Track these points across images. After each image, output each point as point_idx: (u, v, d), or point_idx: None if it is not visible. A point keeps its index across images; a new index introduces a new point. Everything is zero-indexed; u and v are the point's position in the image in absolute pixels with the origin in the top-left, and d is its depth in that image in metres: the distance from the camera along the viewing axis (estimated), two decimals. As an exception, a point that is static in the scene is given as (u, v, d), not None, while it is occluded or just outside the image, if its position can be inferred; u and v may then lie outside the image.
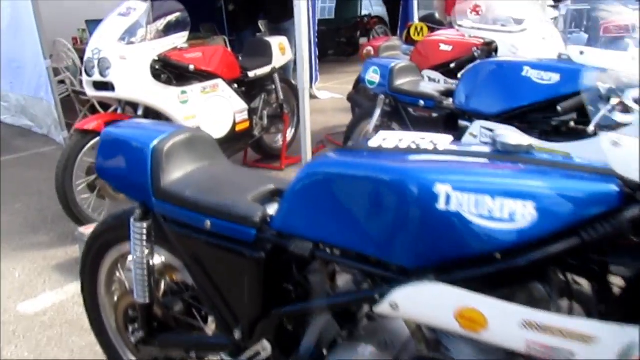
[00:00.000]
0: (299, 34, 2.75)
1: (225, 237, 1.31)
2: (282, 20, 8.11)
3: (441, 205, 1.01)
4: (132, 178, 1.45)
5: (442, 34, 4.64)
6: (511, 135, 1.12)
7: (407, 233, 1.07)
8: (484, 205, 0.99)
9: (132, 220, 1.46)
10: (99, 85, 3.19)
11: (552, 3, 4.81)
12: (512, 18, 3.58)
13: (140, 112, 3.26)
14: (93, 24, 6.70)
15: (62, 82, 5.56)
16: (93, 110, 5.57)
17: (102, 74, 3.10)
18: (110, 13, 3.30)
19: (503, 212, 0.98)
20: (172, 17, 3.33)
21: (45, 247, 3.27)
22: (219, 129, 3.68)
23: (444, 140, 1.22)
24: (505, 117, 2.40)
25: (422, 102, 2.80)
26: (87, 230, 2.93)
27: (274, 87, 4.38)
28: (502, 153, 1.12)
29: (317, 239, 1.21)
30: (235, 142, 3.90)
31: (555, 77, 2.27)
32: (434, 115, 2.77)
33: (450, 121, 2.74)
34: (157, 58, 3.21)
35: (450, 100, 2.72)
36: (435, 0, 7.23)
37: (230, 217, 1.29)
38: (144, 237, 1.45)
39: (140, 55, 3.13)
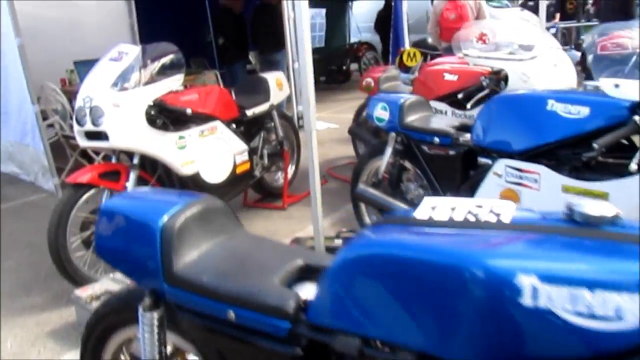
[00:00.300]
0: (304, 60, 2.58)
1: (253, 331, 1.12)
2: (272, 51, 8.05)
3: (526, 300, 0.83)
4: (139, 261, 1.25)
5: (443, 61, 4.51)
6: (591, 204, 0.95)
7: (480, 331, 0.89)
8: (582, 300, 0.81)
9: (140, 309, 1.26)
10: (92, 135, 3.01)
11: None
12: (520, 44, 3.45)
13: (135, 161, 3.07)
14: (82, 65, 6.56)
15: (50, 125, 5.37)
16: (84, 155, 5.38)
17: (94, 123, 2.91)
18: (101, 58, 3.13)
19: (606, 308, 0.80)
20: (166, 59, 3.17)
21: (39, 311, 3.04)
22: (219, 174, 3.50)
23: (506, 209, 1.04)
24: (531, 155, 2.24)
25: (437, 140, 2.64)
26: (84, 292, 2.73)
27: (272, 124, 4.22)
28: (583, 226, 0.94)
29: (365, 333, 1.02)
30: (236, 185, 3.72)
31: (584, 111, 2.11)
32: (451, 152, 2.61)
33: (469, 158, 2.57)
34: (152, 103, 3.03)
35: (468, 136, 2.56)
36: (428, 24, 7.14)
37: (258, 307, 1.10)
38: (155, 329, 1.25)
39: (134, 101, 2.96)
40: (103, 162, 3.09)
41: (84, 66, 6.52)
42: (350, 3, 13.83)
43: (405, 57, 8.35)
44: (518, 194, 2.26)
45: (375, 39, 13.29)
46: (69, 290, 3.03)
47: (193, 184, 3.33)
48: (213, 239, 1.29)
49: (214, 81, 7.65)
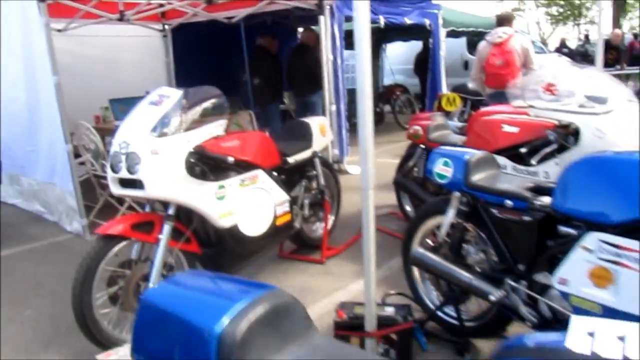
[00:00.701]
0: (363, 109, 2.30)
1: None
2: (308, 93, 7.89)
3: None
4: (189, 377, 0.97)
5: (497, 110, 4.24)
6: None
7: None
8: None
9: None
10: (126, 182, 2.78)
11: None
12: (588, 96, 3.17)
13: (171, 211, 2.83)
14: (117, 103, 6.47)
15: (81, 163, 5.21)
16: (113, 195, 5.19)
17: (130, 171, 2.69)
18: (140, 101, 2.93)
19: None
20: (208, 104, 2.96)
21: (57, 373, 2.77)
22: (258, 226, 3.24)
23: None
24: (631, 228, 1.92)
25: (509, 203, 2.33)
26: (108, 358, 2.45)
27: (314, 172, 3.97)
28: None
29: None
30: (274, 237, 3.46)
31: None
32: (526, 218, 2.29)
33: (547, 226, 2.26)
34: (192, 150, 2.81)
35: (546, 200, 2.25)
36: (472, 70, 6.91)
37: None
38: None
39: (174, 148, 2.74)
40: (135, 212, 2.84)
41: (119, 104, 6.44)
42: (384, 45, 13.76)
43: (444, 101, 8.12)
44: (613, 274, 1.94)
45: (409, 81, 13.15)
46: (90, 349, 2.76)
47: (230, 237, 3.07)
48: (283, 348, 1.01)
49: (249, 122, 7.49)
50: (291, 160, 3.71)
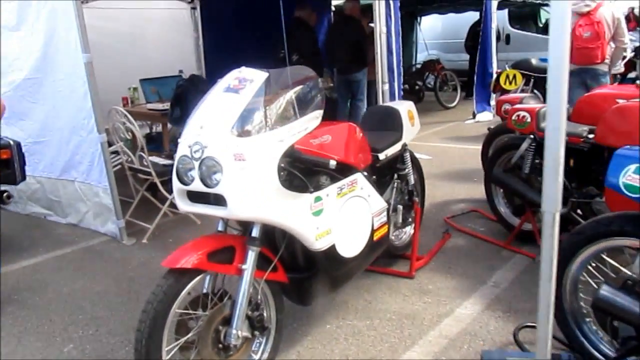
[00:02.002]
0: (558, 86, 1.58)
1: None
2: (353, 71, 7.14)
3: None
4: None
5: (619, 92, 3.50)
6: None
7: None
8: None
9: None
10: (197, 196, 2.10)
11: None
12: None
13: (256, 233, 2.15)
14: (147, 83, 5.76)
15: (113, 153, 4.52)
16: (150, 189, 4.53)
17: (206, 183, 2.00)
18: (212, 89, 2.22)
19: None
20: (301, 90, 2.24)
21: None
22: (356, 244, 2.57)
23: None
24: None
25: None
26: None
27: (406, 169, 3.26)
28: None
29: None
30: (370, 256, 2.77)
31: None
32: None
33: None
34: (284, 153, 2.11)
35: None
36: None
37: None
38: None
39: (264, 151, 2.04)
40: (207, 235, 2.15)
41: (150, 84, 5.74)
42: (418, 18, 12.88)
43: (503, 79, 7.35)
44: None
45: (442, 57, 12.30)
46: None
47: (325, 261, 2.39)
48: None
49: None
50: (382, 156, 3.01)
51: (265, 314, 2.28)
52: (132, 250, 4.05)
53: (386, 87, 6.18)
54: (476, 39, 8.99)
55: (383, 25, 5.99)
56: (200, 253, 2.03)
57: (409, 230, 3.46)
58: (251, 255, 2.13)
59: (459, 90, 10.53)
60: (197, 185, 2.04)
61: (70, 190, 4.38)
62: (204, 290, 2.16)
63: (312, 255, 2.40)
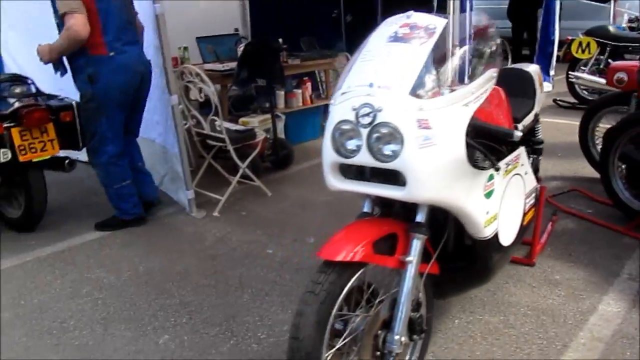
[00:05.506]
0: None
1: None
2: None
3: None
4: None
5: None
6: None
7: None
8: None
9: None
10: (356, 172, 1.70)
11: None
12: None
13: (421, 218, 1.75)
14: (204, 43, 5.30)
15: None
16: (215, 157, 4.14)
17: (377, 155, 1.60)
18: (369, 38, 1.80)
19: None
20: (482, 42, 1.81)
21: None
22: (512, 230, 2.17)
23: None
24: None
25: None
26: None
27: (539, 144, 2.83)
28: None
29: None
30: (518, 243, 2.37)
31: None
32: None
33: None
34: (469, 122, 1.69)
35: None
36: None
37: None
38: None
39: (453, 117, 1.62)
40: (366, 221, 1.76)
41: (207, 43, 5.28)
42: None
43: (575, 47, 6.82)
44: None
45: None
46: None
47: (486, 250, 2.00)
48: None
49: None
50: (520, 127, 2.58)
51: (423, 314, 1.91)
52: (204, 224, 3.68)
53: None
54: (519, 5, 8.47)
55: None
56: (364, 243, 1.63)
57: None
58: (416, 245, 1.74)
59: (509, 59, 9.97)
60: (362, 158, 1.64)
61: (152, 150, 4.01)
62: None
63: (464, 244, 2.01)
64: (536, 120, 2.82)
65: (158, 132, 3.89)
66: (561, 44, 7.69)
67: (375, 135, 1.60)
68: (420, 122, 1.57)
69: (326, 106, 5.83)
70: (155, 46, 3.50)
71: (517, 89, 2.78)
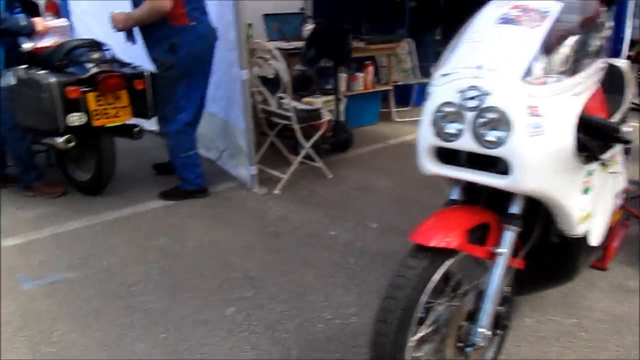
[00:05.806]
0: None
1: None
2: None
3: None
4: None
5: None
6: None
7: None
8: None
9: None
10: (452, 156, 1.64)
11: None
12: None
13: (516, 209, 1.68)
14: (271, 20, 5.28)
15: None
16: (278, 135, 4.13)
17: (482, 142, 1.53)
18: (475, 19, 1.73)
19: None
20: (593, 29, 1.72)
21: None
22: (601, 232, 2.07)
23: None
24: None
25: None
26: None
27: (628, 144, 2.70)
28: None
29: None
30: (604, 244, 2.27)
31: None
32: None
33: None
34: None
35: None
36: None
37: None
38: None
39: (564, 106, 1.55)
40: (459, 208, 1.71)
41: (274, 21, 5.26)
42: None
43: (646, 47, 6.50)
44: None
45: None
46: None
47: (574, 249, 1.92)
48: None
49: (407, 53, 6.20)
50: (612, 124, 2.46)
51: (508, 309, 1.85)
52: (265, 200, 3.68)
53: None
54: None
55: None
56: (460, 231, 1.58)
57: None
58: (509, 237, 1.67)
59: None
60: (464, 143, 1.58)
61: (213, 124, 4.04)
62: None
63: (548, 240, 1.93)
64: (624, 117, 2.68)
65: (221, 106, 3.90)
66: (633, 43, 7.34)
67: (481, 120, 1.53)
68: (531, 109, 1.50)
69: (384, 92, 5.80)
70: (229, 19, 3.48)
71: (608, 84, 2.66)
